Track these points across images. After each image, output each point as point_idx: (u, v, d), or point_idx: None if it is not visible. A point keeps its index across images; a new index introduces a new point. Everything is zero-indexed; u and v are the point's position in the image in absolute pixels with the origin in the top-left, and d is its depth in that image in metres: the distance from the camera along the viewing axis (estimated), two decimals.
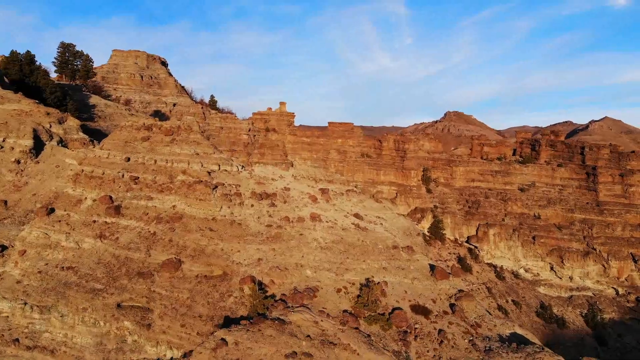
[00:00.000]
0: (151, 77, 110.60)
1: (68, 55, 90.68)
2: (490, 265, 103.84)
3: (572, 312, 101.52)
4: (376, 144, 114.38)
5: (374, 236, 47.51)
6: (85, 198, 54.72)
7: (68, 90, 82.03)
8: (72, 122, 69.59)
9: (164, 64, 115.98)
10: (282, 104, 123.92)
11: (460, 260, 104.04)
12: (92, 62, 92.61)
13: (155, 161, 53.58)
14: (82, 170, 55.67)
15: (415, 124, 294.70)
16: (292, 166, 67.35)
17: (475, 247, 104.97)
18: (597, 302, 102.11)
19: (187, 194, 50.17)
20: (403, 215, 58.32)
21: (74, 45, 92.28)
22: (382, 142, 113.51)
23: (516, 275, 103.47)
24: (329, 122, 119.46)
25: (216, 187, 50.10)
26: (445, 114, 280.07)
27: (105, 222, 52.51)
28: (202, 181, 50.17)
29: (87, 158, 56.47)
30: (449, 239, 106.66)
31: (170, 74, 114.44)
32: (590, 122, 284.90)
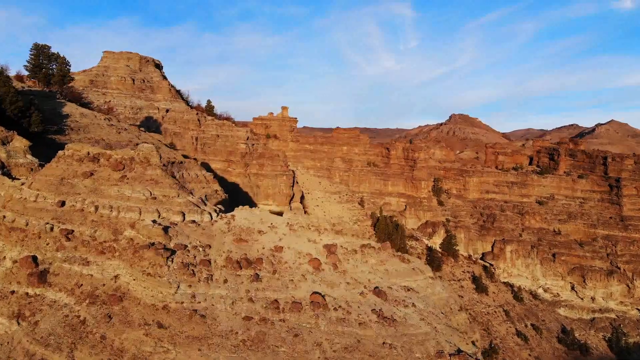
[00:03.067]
0: (143, 81, 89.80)
1: (42, 59, 70.03)
2: (506, 284, 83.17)
3: (595, 336, 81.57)
4: (384, 152, 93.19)
5: (407, 334, 27.50)
6: (4, 257, 34.97)
7: (34, 99, 60.63)
8: (19, 143, 48.45)
9: (158, 66, 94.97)
10: (284, 108, 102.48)
11: (475, 279, 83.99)
12: (69, 66, 71.68)
13: (97, 208, 33.52)
14: (4, 217, 35.82)
15: (419, 127, 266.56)
16: (289, 206, 47.11)
17: (491, 264, 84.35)
18: (621, 325, 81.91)
19: (132, 261, 30.25)
20: (437, 278, 38.33)
21: (49, 47, 71.27)
22: (390, 150, 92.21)
23: (535, 295, 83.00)
24: (334, 129, 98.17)
25: (174, 252, 30.04)
26: (451, 117, 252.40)
27: (27, 293, 32.06)
28: (153, 244, 30.07)
29: (12, 199, 36.41)
30: (462, 255, 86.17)
31: (164, 77, 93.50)
32: (596, 126, 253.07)
